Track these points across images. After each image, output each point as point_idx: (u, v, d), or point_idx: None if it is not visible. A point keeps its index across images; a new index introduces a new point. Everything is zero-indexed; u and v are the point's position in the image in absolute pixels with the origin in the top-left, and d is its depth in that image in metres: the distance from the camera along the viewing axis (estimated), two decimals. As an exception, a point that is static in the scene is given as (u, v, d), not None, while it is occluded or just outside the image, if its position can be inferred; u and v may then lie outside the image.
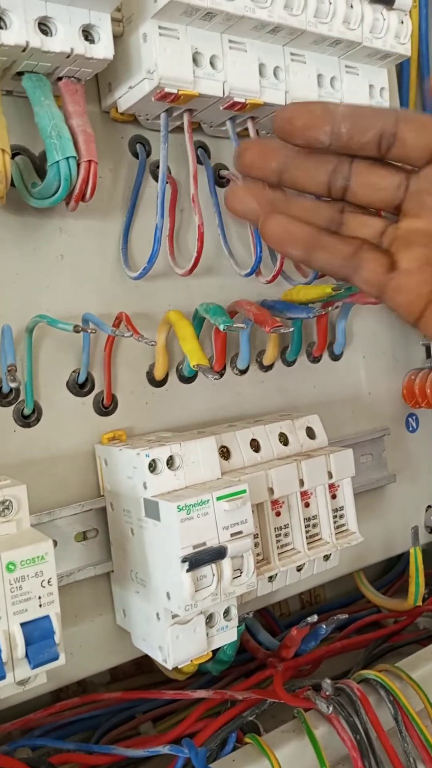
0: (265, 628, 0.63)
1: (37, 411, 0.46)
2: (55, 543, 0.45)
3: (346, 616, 0.52)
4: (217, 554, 0.40)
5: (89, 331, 0.39)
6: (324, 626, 0.53)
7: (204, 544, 0.40)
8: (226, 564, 0.40)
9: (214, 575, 0.40)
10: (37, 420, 0.46)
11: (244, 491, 0.41)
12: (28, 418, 0.45)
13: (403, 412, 0.68)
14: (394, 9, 0.50)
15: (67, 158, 0.40)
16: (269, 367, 0.58)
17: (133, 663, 0.56)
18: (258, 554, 0.46)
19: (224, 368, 0.55)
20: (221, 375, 0.43)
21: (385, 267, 0.32)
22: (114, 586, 0.48)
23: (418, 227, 0.31)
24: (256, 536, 0.46)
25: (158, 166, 0.50)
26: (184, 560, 0.39)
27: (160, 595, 0.42)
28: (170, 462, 0.42)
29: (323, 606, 0.72)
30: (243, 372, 0.56)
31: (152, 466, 0.42)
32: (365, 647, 0.64)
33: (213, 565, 0.40)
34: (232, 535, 0.41)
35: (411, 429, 0.68)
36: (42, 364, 0.46)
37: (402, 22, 0.52)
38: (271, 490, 0.45)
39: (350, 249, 0.32)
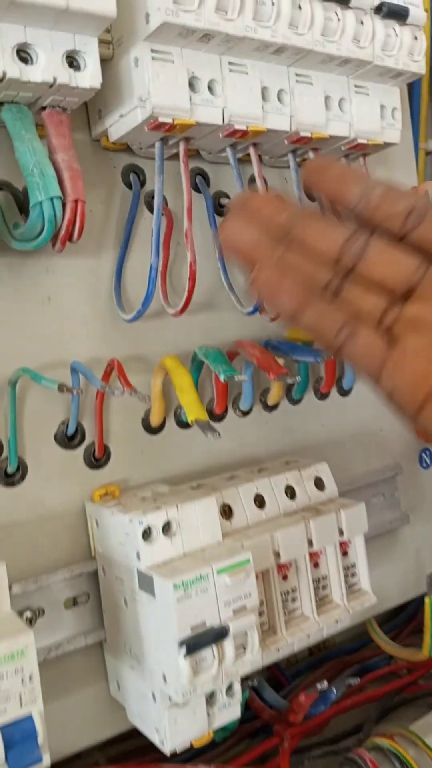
0: (271, 679, 0.59)
1: (21, 468, 0.42)
2: (42, 611, 0.42)
3: (358, 680, 0.49)
4: (218, 635, 0.36)
5: (75, 392, 0.35)
6: (334, 690, 0.49)
7: (204, 623, 0.36)
8: (228, 644, 0.37)
9: (214, 657, 0.37)
10: (22, 478, 0.42)
11: (247, 561, 0.38)
12: (11, 477, 0.41)
13: (417, 448, 0.64)
14: (407, 24, 0.46)
15: (51, 198, 0.36)
16: (274, 407, 0.54)
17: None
18: (263, 623, 0.42)
19: (226, 410, 0.51)
20: (218, 434, 0.39)
21: (384, 342, 0.28)
22: (107, 656, 0.44)
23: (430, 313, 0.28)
24: (260, 603, 0.42)
25: (154, 197, 0.46)
26: (181, 644, 0.35)
27: (156, 675, 0.38)
28: (166, 528, 0.39)
29: (332, 651, 0.68)
30: (246, 413, 0.52)
31: (146, 534, 0.38)
32: (378, 700, 0.60)
33: (214, 645, 0.36)
34: (234, 611, 0.37)
35: (425, 465, 0.64)
36: (27, 417, 0.42)
37: (416, 38, 0.48)
38: (277, 554, 0.41)
39: (347, 316, 0.28)
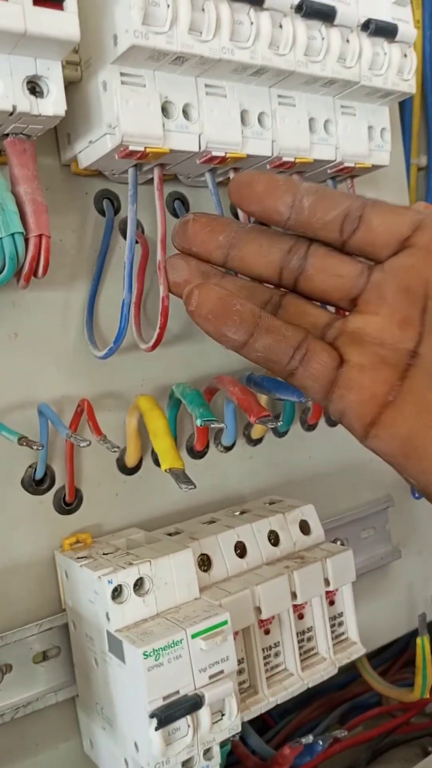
0: (257, 719, 0.56)
1: (-14, 517, 0.39)
2: (10, 668, 0.39)
3: (346, 733, 0.46)
4: (192, 706, 0.34)
5: (35, 447, 0.33)
6: (321, 743, 0.46)
7: (177, 692, 0.34)
8: (204, 712, 0.34)
9: (189, 726, 0.34)
10: (-14, 527, 0.39)
11: (225, 622, 0.35)
12: (-25, 527, 0.39)
13: (408, 478, 0.61)
14: (396, 42, 0.44)
15: (12, 234, 0.34)
16: (258, 441, 0.51)
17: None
18: (243, 682, 0.40)
19: (207, 446, 0.49)
20: (194, 485, 0.36)
21: (335, 361, 0.27)
22: (80, 712, 0.42)
23: (373, 325, 0.26)
24: (240, 661, 0.40)
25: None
26: (152, 716, 0.33)
27: (128, 742, 0.36)
28: (138, 585, 0.36)
29: (321, 687, 0.65)
30: (228, 449, 0.50)
31: (117, 592, 0.36)
32: (368, 741, 0.58)
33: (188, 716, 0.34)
34: (210, 677, 0.35)
35: (416, 495, 0.61)
36: (-8, 461, 0.40)
37: (405, 56, 0.45)
38: (258, 610, 0.39)
39: (298, 336, 0.27)
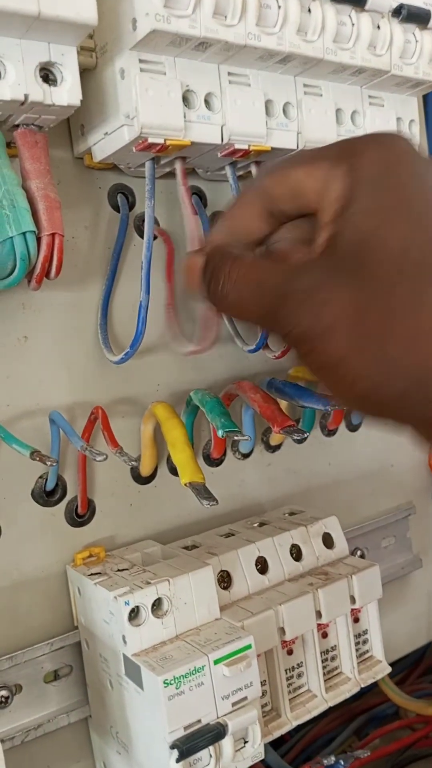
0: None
1: (-6, 530, 0.37)
2: (20, 687, 0.37)
3: (368, 753, 0.44)
4: (215, 737, 0.32)
5: (48, 463, 0.31)
6: (342, 762, 0.44)
7: (199, 721, 0.32)
8: (227, 742, 0.32)
9: (211, 756, 0.32)
10: (-5, 541, 0.37)
11: (249, 646, 0.33)
12: (-17, 541, 0.37)
13: (430, 483, 0.59)
14: (428, 29, 0.41)
15: (24, 233, 0.31)
16: (277, 447, 0.49)
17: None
18: (265, 705, 0.38)
19: (224, 453, 0.46)
20: (216, 501, 0.34)
21: None
22: (93, 734, 0.40)
23: None
24: (262, 683, 0.38)
25: (144, 221, 0.42)
26: (173, 747, 0.31)
27: (145, 771, 0.34)
28: (156, 605, 0.34)
29: (338, 698, 0.63)
30: (246, 456, 0.48)
31: (134, 613, 0.34)
32: (387, 755, 0.56)
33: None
34: (233, 704, 0.33)
35: (438, 502, 0.59)
36: (1, 472, 0.38)
37: (437, 43, 0.43)
38: (282, 630, 0.37)
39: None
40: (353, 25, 0.38)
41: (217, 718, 0.32)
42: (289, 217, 0.30)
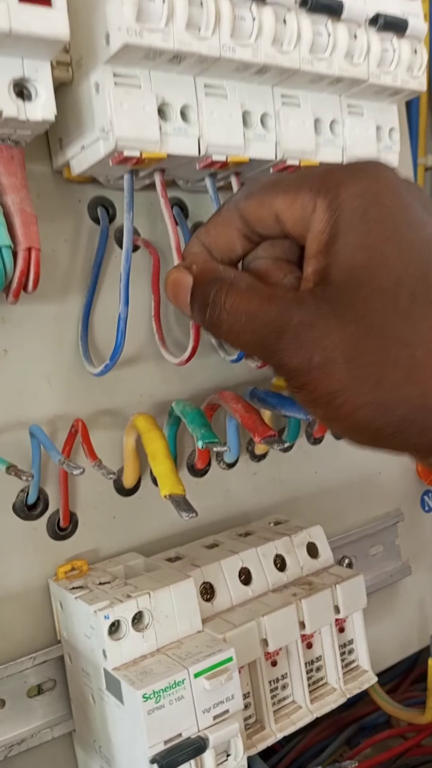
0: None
1: (-25, 545, 0.37)
2: (3, 702, 0.37)
3: (356, 765, 0.44)
4: (195, 750, 0.31)
5: (24, 478, 0.31)
6: (332, 775, 0.44)
7: (179, 735, 0.32)
8: (209, 755, 0.32)
9: (192, 770, 0.32)
10: (-24, 556, 0.37)
11: (230, 659, 0.33)
12: (-36, 556, 0.37)
13: (418, 490, 0.59)
14: (406, 37, 0.41)
15: (-1, 248, 0.31)
16: (262, 457, 0.49)
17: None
18: (249, 716, 0.38)
19: (209, 464, 0.46)
20: (196, 513, 0.34)
21: None
22: (77, 748, 0.40)
23: None
24: (246, 695, 0.38)
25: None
26: (153, 761, 0.31)
27: (127, 786, 0.33)
28: (137, 619, 0.34)
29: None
30: (231, 465, 0.48)
31: (114, 627, 0.33)
32: (379, 764, 0.56)
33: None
34: (215, 717, 0.33)
35: (427, 509, 0.59)
36: (-19, 486, 0.37)
37: (415, 52, 0.43)
38: (265, 642, 0.37)
39: None
40: (329, 35, 0.38)
41: (198, 731, 0.32)
42: (266, 239, 0.30)
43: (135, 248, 0.42)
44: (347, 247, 0.25)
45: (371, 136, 0.44)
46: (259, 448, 0.48)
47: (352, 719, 0.60)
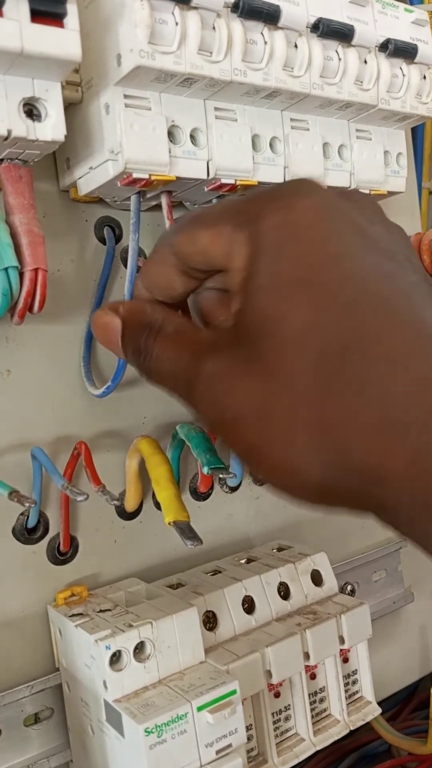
0: None
1: (-26, 570, 0.36)
2: (-1, 732, 0.36)
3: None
4: (197, 787, 0.31)
5: (26, 504, 0.30)
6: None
7: (181, 771, 0.31)
8: (210, 791, 0.31)
9: (194, 807, 0.31)
10: (-25, 581, 0.36)
11: (234, 692, 0.32)
12: (-38, 581, 0.36)
13: (421, 515, 0.58)
14: (415, 63, 0.42)
15: (6, 269, 0.31)
16: (265, 480, 0.48)
17: None
18: (251, 749, 0.37)
19: (212, 487, 0.46)
20: (200, 541, 0.33)
21: None
22: (73, 779, 0.39)
23: None
24: (248, 727, 0.37)
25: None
26: (153, 798, 0.30)
27: None
28: (139, 649, 0.33)
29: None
30: (234, 489, 0.47)
31: (115, 657, 0.33)
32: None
33: (193, 797, 0.31)
34: (218, 752, 0.32)
35: (430, 534, 0.58)
36: (-19, 509, 0.37)
37: (424, 78, 0.43)
38: (269, 673, 0.36)
39: None
40: (340, 59, 0.38)
41: (201, 766, 0.31)
42: (206, 273, 0.28)
43: (138, 269, 0.42)
44: (259, 290, 0.23)
45: (379, 161, 0.44)
46: (263, 472, 0.47)
47: (353, 748, 0.59)
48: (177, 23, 0.32)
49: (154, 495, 0.43)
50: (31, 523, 0.38)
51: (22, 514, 0.38)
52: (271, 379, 0.22)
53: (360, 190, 0.43)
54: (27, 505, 0.30)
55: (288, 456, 0.22)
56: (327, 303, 0.22)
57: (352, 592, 0.50)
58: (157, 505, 0.43)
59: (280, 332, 0.22)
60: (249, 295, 0.23)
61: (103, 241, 0.41)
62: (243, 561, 0.43)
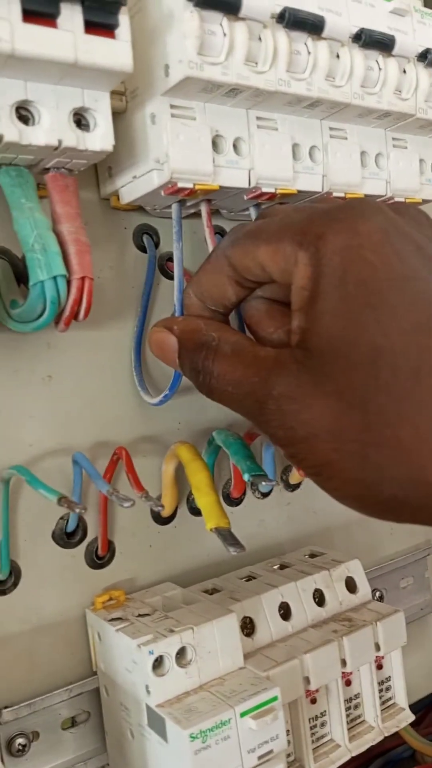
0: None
1: (14, 573, 0.37)
2: (37, 735, 0.37)
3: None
4: (241, 793, 0.31)
5: (77, 510, 0.30)
6: None
7: (224, 776, 0.31)
8: (253, 797, 0.31)
9: None
10: (15, 585, 0.37)
11: (275, 698, 0.32)
12: (2, 584, 0.36)
13: (448, 522, 0.58)
14: (452, 72, 0.42)
15: (54, 277, 0.31)
16: (296, 486, 0.49)
17: None
18: (288, 755, 0.37)
19: (244, 493, 0.46)
20: (241, 547, 0.33)
21: None
22: (110, 783, 0.39)
23: None
24: (287, 733, 0.37)
25: (169, 259, 0.42)
26: (198, 803, 0.30)
27: None
28: (180, 654, 0.33)
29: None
30: (266, 495, 0.47)
31: (157, 663, 0.33)
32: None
33: (235, 802, 0.31)
34: (259, 758, 0.32)
35: (456, 541, 0.58)
36: (22, 513, 0.37)
37: (461, 87, 0.43)
38: (307, 680, 0.36)
39: None
40: (380, 69, 0.38)
41: (243, 772, 0.31)
42: (258, 284, 0.29)
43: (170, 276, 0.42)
44: (326, 313, 0.24)
45: (415, 170, 0.44)
46: (294, 478, 0.48)
47: (378, 752, 0.59)
48: (225, 34, 0.32)
49: (188, 500, 0.43)
50: (71, 528, 0.38)
51: (61, 518, 0.38)
52: (344, 400, 0.23)
53: (395, 198, 0.43)
54: (78, 510, 0.30)
55: (361, 473, 0.22)
56: (396, 326, 0.23)
57: (381, 599, 0.50)
58: (192, 511, 0.43)
59: (350, 355, 0.23)
60: (316, 317, 0.24)
61: (141, 248, 0.42)
62: (276, 567, 0.43)
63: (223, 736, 0.31)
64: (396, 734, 0.57)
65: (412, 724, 0.57)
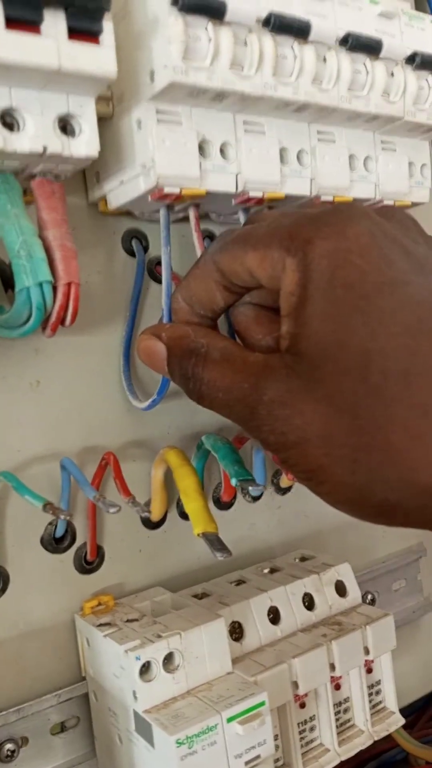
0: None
1: (2, 579, 0.37)
2: (26, 740, 0.37)
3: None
4: (227, 799, 0.31)
5: (62, 516, 0.30)
6: None
7: (211, 782, 0.31)
8: (240, 802, 0.31)
9: None
10: (3, 590, 0.37)
11: (262, 703, 0.32)
12: (-9, 591, 0.36)
13: (440, 524, 0.58)
14: (441, 75, 0.42)
15: (40, 283, 0.31)
16: (287, 490, 0.49)
17: None
18: (277, 760, 0.37)
19: (234, 497, 0.46)
20: (228, 552, 0.33)
21: None
22: (99, 788, 0.39)
23: None
24: (275, 738, 0.37)
25: (158, 263, 0.42)
26: (184, 809, 0.30)
27: None
28: (168, 660, 0.33)
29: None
30: (256, 499, 0.47)
31: (144, 669, 0.33)
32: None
33: (222, 808, 0.31)
34: (246, 763, 0.32)
35: (449, 543, 0.58)
36: (10, 519, 0.37)
37: (450, 90, 0.43)
38: (295, 684, 0.36)
39: None
40: (368, 73, 0.38)
41: (230, 778, 0.31)
42: (247, 289, 0.29)
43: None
44: (314, 318, 0.24)
45: (404, 173, 0.44)
46: (285, 481, 0.48)
47: (371, 755, 0.59)
48: (210, 39, 0.32)
49: (178, 504, 0.43)
50: (59, 533, 0.38)
51: (50, 523, 0.38)
52: (334, 404, 0.23)
53: (384, 201, 0.43)
54: (63, 517, 0.30)
55: (352, 477, 0.22)
56: (384, 329, 0.23)
57: (373, 602, 0.50)
58: (182, 515, 0.43)
59: (340, 359, 0.23)
60: (305, 321, 0.24)
61: (129, 252, 0.42)
62: (266, 571, 0.43)
63: (209, 741, 0.31)
64: (389, 737, 0.57)
65: (405, 727, 0.57)
